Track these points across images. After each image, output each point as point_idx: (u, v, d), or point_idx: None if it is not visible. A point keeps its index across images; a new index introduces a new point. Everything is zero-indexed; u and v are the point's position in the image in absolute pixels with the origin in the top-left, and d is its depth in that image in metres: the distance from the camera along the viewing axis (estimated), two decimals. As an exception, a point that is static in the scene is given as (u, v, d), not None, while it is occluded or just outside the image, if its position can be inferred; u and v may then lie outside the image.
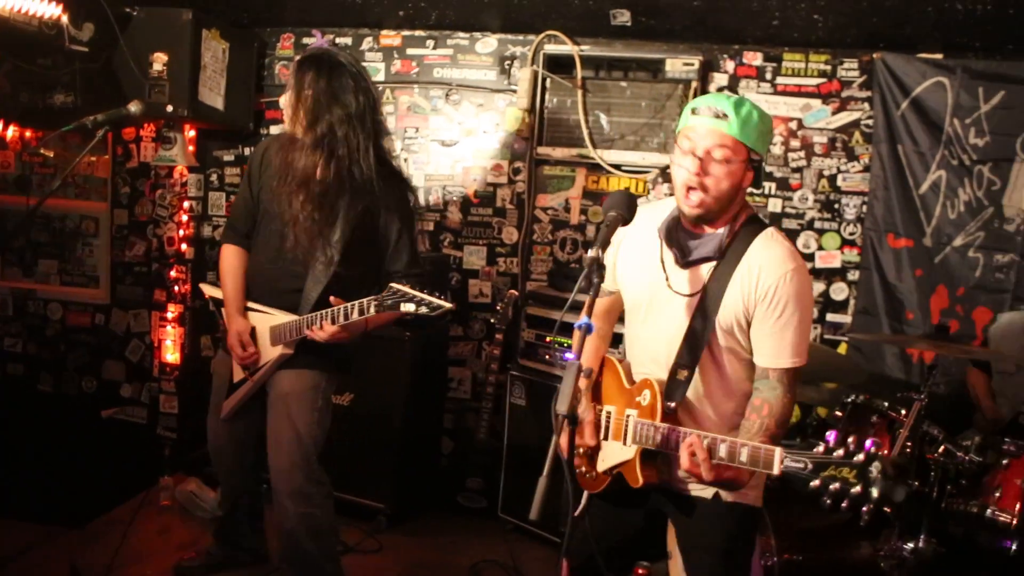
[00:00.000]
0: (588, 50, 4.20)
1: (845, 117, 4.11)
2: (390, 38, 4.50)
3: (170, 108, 3.83)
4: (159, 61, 3.80)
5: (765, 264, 2.03)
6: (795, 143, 4.16)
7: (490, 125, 4.44)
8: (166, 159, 4.56)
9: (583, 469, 2.29)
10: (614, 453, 2.19)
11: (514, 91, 4.29)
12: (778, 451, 1.78)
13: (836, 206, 4.16)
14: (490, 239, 4.50)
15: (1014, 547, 2.58)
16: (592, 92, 4.18)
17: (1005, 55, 3.85)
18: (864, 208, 4.13)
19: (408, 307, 2.45)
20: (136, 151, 4.71)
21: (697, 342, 2.09)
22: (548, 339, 4.00)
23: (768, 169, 4.20)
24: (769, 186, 4.20)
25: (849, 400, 3.02)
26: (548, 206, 4.41)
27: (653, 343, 2.19)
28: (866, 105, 4.08)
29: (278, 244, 2.82)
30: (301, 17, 4.45)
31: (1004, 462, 2.58)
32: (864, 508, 1.62)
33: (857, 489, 1.63)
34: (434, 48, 4.46)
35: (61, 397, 4.93)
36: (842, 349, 4.19)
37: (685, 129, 2.05)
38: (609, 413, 2.24)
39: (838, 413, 3.04)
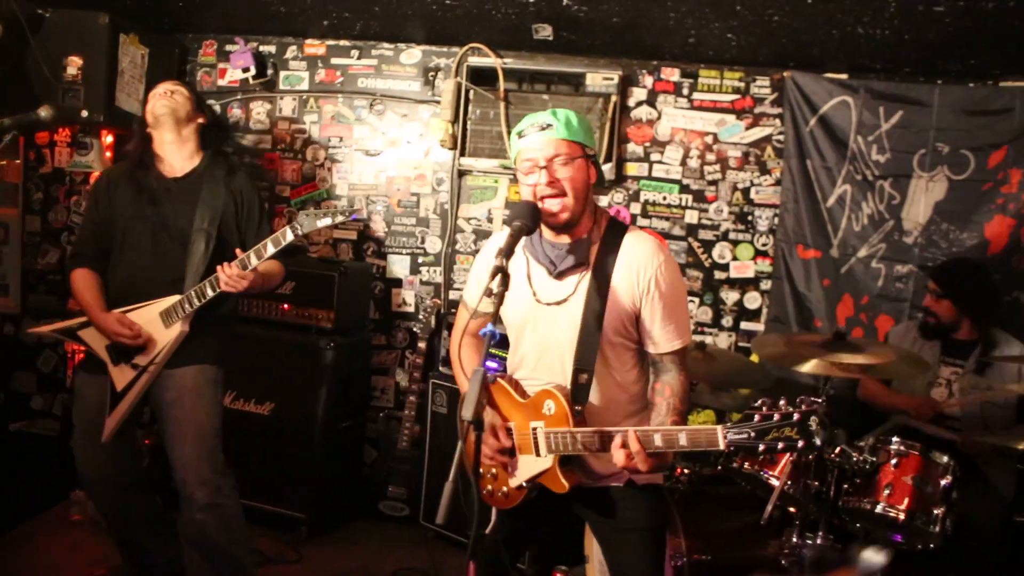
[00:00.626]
0: (511, 63, 4.28)
1: (758, 132, 4.27)
2: (314, 47, 4.50)
3: (85, 113, 3.75)
4: (73, 65, 3.73)
5: (640, 259, 2.18)
6: (711, 156, 4.31)
7: (414, 135, 4.47)
8: (82, 165, 4.47)
9: (490, 488, 2.33)
10: (528, 466, 2.24)
11: (438, 102, 4.34)
12: (719, 428, 1.91)
13: (749, 218, 4.32)
14: (413, 248, 4.52)
15: (902, 539, 2.75)
16: (515, 104, 4.25)
17: (903, 77, 4.07)
18: (776, 220, 4.29)
19: (325, 221, 2.65)
20: (50, 156, 4.61)
21: (590, 345, 2.19)
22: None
23: (684, 182, 4.33)
24: (685, 198, 4.33)
25: (755, 405, 3.14)
26: (471, 216, 4.46)
27: (545, 356, 2.28)
28: (777, 121, 4.25)
29: (150, 243, 2.93)
30: (224, 24, 4.42)
31: (894, 461, 2.73)
32: (811, 456, 1.73)
33: (802, 443, 1.80)
34: (359, 58, 4.47)
35: (-33, 410, 4.75)
36: (755, 357, 4.33)
37: (520, 154, 2.20)
38: (510, 428, 2.29)
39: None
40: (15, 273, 4.68)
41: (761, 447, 1.83)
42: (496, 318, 1.97)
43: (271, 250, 2.72)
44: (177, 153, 3.00)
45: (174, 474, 2.92)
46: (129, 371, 2.92)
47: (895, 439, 2.79)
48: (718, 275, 4.35)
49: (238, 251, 2.83)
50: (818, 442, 1.79)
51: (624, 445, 2.05)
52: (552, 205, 2.15)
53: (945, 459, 2.75)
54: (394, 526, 4.21)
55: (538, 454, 2.22)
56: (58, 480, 4.15)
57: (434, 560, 3.82)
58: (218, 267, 2.76)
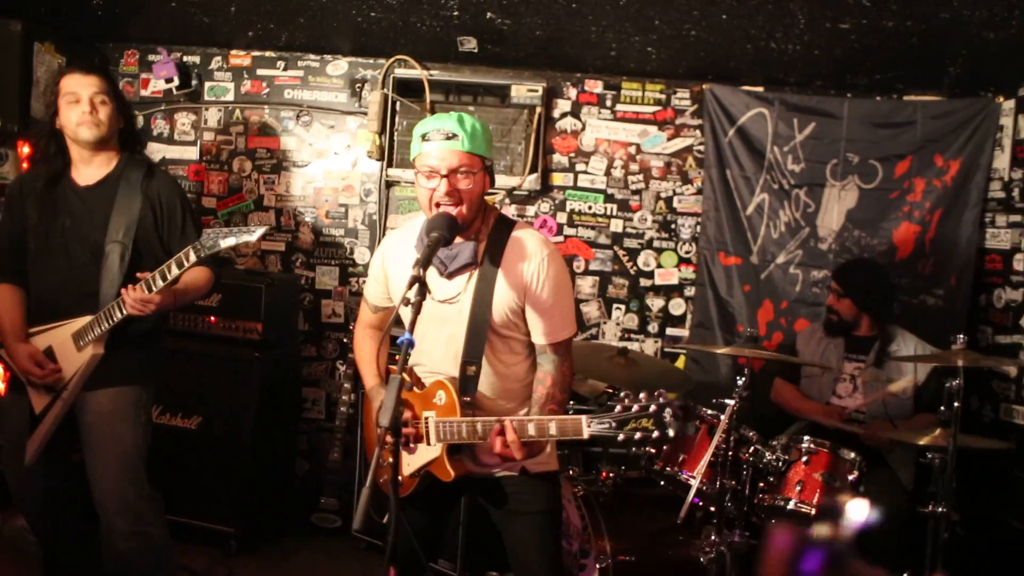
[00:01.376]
0: (437, 75, 4.32)
1: (679, 143, 4.40)
2: (240, 58, 4.47)
3: (-2, 124, 3.66)
4: (-15, 74, 3.64)
5: (525, 255, 2.27)
6: (634, 167, 4.41)
7: (341, 147, 4.48)
8: (-2, 176, 4.34)
9: (386, 478, 2.37)
10: (419, 454, 2.31)
11: (365, 113, 4.35)
12: (583, 418, 2.01)
13: (673, 226, 4.43)
14: (342, 259, 4.52)
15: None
16: (442, 115, 4.28)
17: (815, 90, 4.24)
18: (698, 228, 4.42)
19: (228, 241, 2.48)
20: (-35, 168, 4.46)
21: (478, 339, 2.29)
22: (398, 357, 4.04)
23: (609, 191, 4.42)
24: (610, 207, 4.43)
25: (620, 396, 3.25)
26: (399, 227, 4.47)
27: (437, 349, 2.37)
28: (698, 132, 4.38)
29: (63, 256, 2.79)
30: (146, 33, 4.36)
31: (805, 459, 2.85)
32: (665, 447, 1.80)
33: (656, 434, 1.91)
34: (285, 69, 4.46)
35: None
36: (680, 363, 4.45)
37: (422, 156, 2.25)
38: (406, 418, 2.35)
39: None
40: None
41: (620, 437, 1.94)
42: (412, 326, 2.01)
43: (175, 272, 2.55)
44: (92, 159, 2.81)
45: (94, 502, 2.78)
46: (45, 395, 2.81)
47: (806, 438, 2.92)
48: (643, 282, 4.45)
49: (140, 274, 2.60)
50: (671, 433, 1.91)
51: (501, 433, 2.14)
52: (448, 212, 2.22)
53: (852, 455, 2.89)
54: (326, 538, 4.18)
55: (428, 443, 2.29)
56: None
57: (366, 571, 3.81)
58: (122, 290, 2.60)
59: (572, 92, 4.40)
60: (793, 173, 4.26)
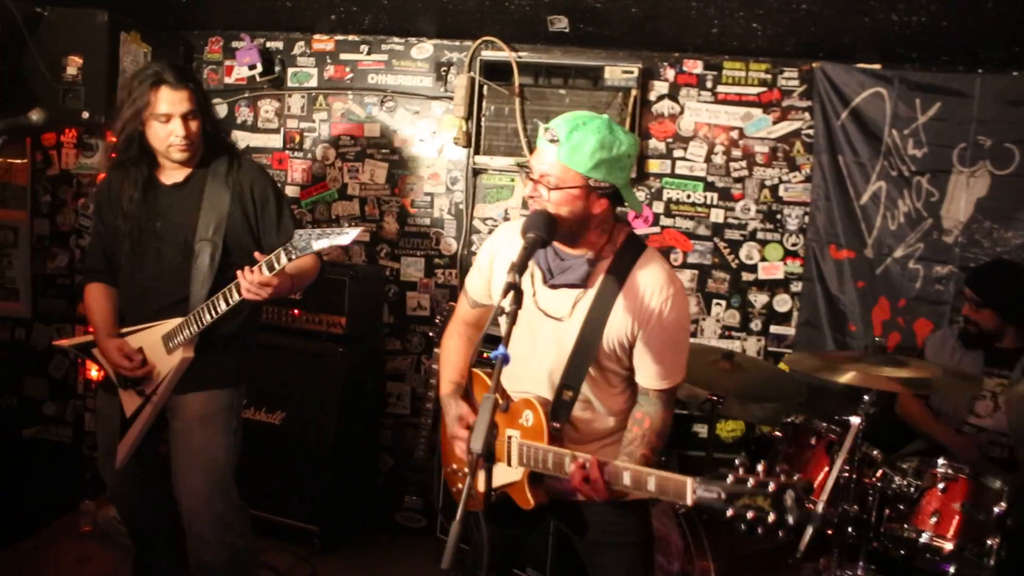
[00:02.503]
0: (526, 56, 4.10)
1: (786, 127, 4.07)
2: (323, 43, 4.35)
3: (86, 115, 3.62)
4: (73, 65, 3.60)
5: (648, 289, 2.04)
6: (736, 152, 4.11)
7: (427, 133, 4.31)
8: (87, 167, 4.36)
9: (460, 486, 2.22)
10: (499, 473, 2.11)
11: (451, 98, 4.18)
12: (689, 481, 1.73)
13: (778, 216, 4.12)
14: (428, 250, 4.37)
15: (952, 571, 2.53)
16: (530, 100, 4.08)
17: (940, 66, 3.84)
18: (806, 219, 4.09)
19: (321, 243, 2.31)
20: (57, 158, 4.49)
21: (582, 364, 2.09)
22: (485, 355, 3.88)
23: (709, 179, 4.14)
24: (711, 196, 4.14)
25: (789, 420, 2.96)
26: (487, 216, 4.30)
27: (533, 363, 2.17)
28: (807, 115, 4.04)
29: (155, 259, 2.69)
30: (229, 20, 4.27)
31: (941, 486, 2.53)
32: (780, 533, 1.62)
33: (772, 518, 1.61)
34: (368, 53, 4.31)
35: (-22, 415, 4.67)
36: (783, 365, 4.15)
37: (536, 150, 2.05)
38: None
39: (778, 433, 2.98)
40: (25, 277, 4.58)
41: (729, 512, 1.65)
42: (507, 337, 1.81)
43: (274, 268, 2.41)
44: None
45: (180, 509, 2.71)
46: (136, 398, 2.75)
47: (941, 461, 2.59)
48: (746, 277, 4.16)
49: (257, 254, 2.46)
50: (791, 521, 1.60)
51: (583, 467, 1.93)
52: (545, 209, 2.01)
53: (998, 484, 2.54)
54: (411, 538, 4.08)
55: (509, 463, 2.12)
56: (68, 489, 4.09)
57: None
58: (238, 272, 2.43)
59: (670, 73, 4.11)
60: (914, 159, 3.88)
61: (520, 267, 1.85)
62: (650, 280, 2.06)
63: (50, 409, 4.65)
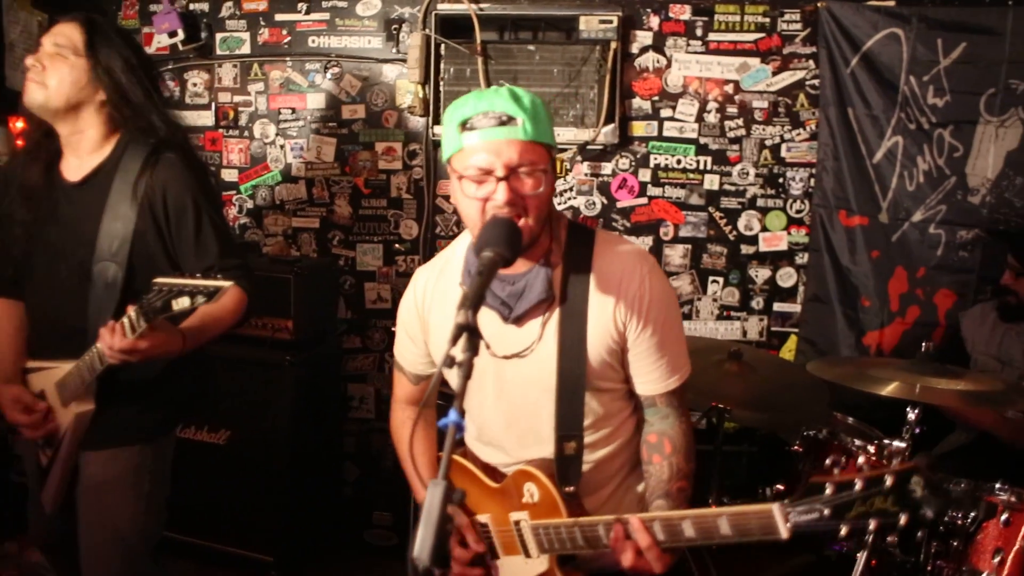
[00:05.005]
0: (488, 8, 3.56)
1: (788, 77, 3.57)
2: (254, 2, 3.78)
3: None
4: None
5: (618, 278, 1.68)
6: (732, 109, 3.61)
7: (379, 102, 3.78)
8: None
9: None
10: (518, 571, 1.68)
11: (404, 61, 3.64)
12: (775, 509, 1.35)
13: (781, 180, 3.64)
14: (386, 235, 3.86)
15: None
16: (495, 59, 3.55)
17: (966, 1, 3.33)
18: (812, 182, 3.61)
19: (182, 302, 1.78)
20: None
21: (575, 402, 1.67)
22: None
23: (702, 141, 3.64)
24: (704, 160, 3.64)
25: (810, 433, 2.51)
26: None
27: (514, 424, 1.74)
28: (811, 63, 3.53)
29: (46, 278, 2.16)
30: (145, -21, 3.71)
31: (1004, 517, 2.07)
32: (920, 534, 1.42)
33: (905, 518, 1.24)
34: (307, 13, 3.75)
35: None
36: (791, 343, 3.71)
37: (464, 153, 1.58)
38: (485, 524, 1.73)
39: (798, 447, 2.53)
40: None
41: (843, 530, 1.29)
42: (461, 396, 1.33)
43: (141, 325, 1.84)
44: (78, 146, 2.14)
45: None
46: (47, 448, 2.23)
47: (999, 486, 2.13)
48: (745, 249, 3.68)
49: (129, 307, 1.88)
50: (930, 514, 1.24)
51: (627, 536, 1.50)
52: (505, 217, 1.57)
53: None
54: (381, 559, 3.72)
55: (527, 555, 1.67)
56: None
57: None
58: (102, 330, 1.90)
59: (654, 21, 3.58)
60: (935, 109, 3.40)
61: (475, 300, 1.35)
62: (617, 266, 1.69)
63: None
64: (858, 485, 1.28)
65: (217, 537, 3.37)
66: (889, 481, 1.25)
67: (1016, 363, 2.84)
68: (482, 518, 1.75)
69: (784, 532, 1.34)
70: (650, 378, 1.72)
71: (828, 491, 1.30)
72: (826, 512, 1.30)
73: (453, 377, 1.34)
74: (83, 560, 2.20)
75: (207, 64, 3.85)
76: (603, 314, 1.66)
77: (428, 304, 1.80)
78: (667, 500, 1.64)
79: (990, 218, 3.39)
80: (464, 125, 1.56)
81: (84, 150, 2.14)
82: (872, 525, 1.27)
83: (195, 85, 3.87)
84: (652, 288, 1.67)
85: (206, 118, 3.88)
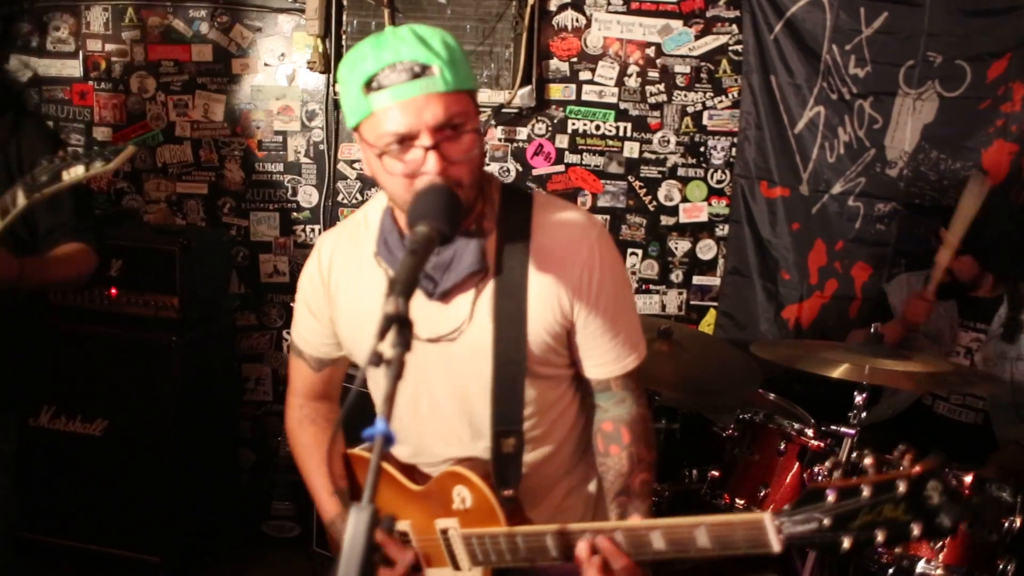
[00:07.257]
0: (395, -44, 3.27)
1: (711, 42, 3.44)
2: (127, -64, 3.37)
3: None
4: None
5: (563, 246, 1.46)
6: (653, 74, 3.46)
7: (273, 56, 3.44)
8: None
9: None
10: None
11: (302, 11, 3.31)
12: (767, 519, 1.18)
13: (702, 149, 3.52)
14: (283, 202, 3.55)
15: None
16: (403, 11, 3.29)
17: (892, -33, 3.28)
18: (733, 151, 3.51)
19: (76, 171, 1.71)
20: None
21: (514, 391, 1.47)
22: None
23: (622, 106, 3.48)
24: (623, 126, 3.49)
25: (745, 417, 2.41)
26: (355, 158, 3.51)
27: (441, 418, 1.52)
28: (735, 27, 3.43)
29: None
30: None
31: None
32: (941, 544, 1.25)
33: (918, 529, 1.08)
34: (191, -49, 3.37)
35: None
36: (711, 316, 3.63)
37: (376, 118, 1.32)
38: (404, 532, 1.53)
39: (731, 431, 2.42)
40: None
41: (847, 542, 1.12)
42: (390, 400, 1.10)
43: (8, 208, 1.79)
44: None
45: None
46: None
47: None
48: (665, 220, 3.56)
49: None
50: (947, 523, 1.08)
51: (595, 552, 1.31)
52: (441, 183, 1.33)
53: (1005, 494, 2.06)
54: (281, 552, 3.47)
55: (456, 567, 1.48)
56: None
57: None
58: None
59: (573, -24, 3.39)
60: (856, 79, 3.34)
61: (407, 284, 1.12)
62: (561, 235, 1.47)
63: None
64: (865, 491, 1.11)
65: (97, 539, 3.07)
66: (903, 487, 1.09)
67: (944, 339, 2.83)
68: (402, 525, 1.54)
69: (776, 545, 1.18)
70: (603, 360, 1.52)
71: (830, 498, 1.13)
72: (826, 522, 1.14)
73: (377, 378, 1.12)
74: None
75: (72, 5, 3.40)
76: (546, 291, 1.45)
77: (335, 276, 1.55)
78: (628, 498, 1.47)
79: (906, 191, 3.38)
80: (369, 85, 1.29)
81: None
82: (880, 537, 1.11)
83: (59, 31, 3.42)
84: (602, 259, 1.46)
85: (73, 68, 3.44)
